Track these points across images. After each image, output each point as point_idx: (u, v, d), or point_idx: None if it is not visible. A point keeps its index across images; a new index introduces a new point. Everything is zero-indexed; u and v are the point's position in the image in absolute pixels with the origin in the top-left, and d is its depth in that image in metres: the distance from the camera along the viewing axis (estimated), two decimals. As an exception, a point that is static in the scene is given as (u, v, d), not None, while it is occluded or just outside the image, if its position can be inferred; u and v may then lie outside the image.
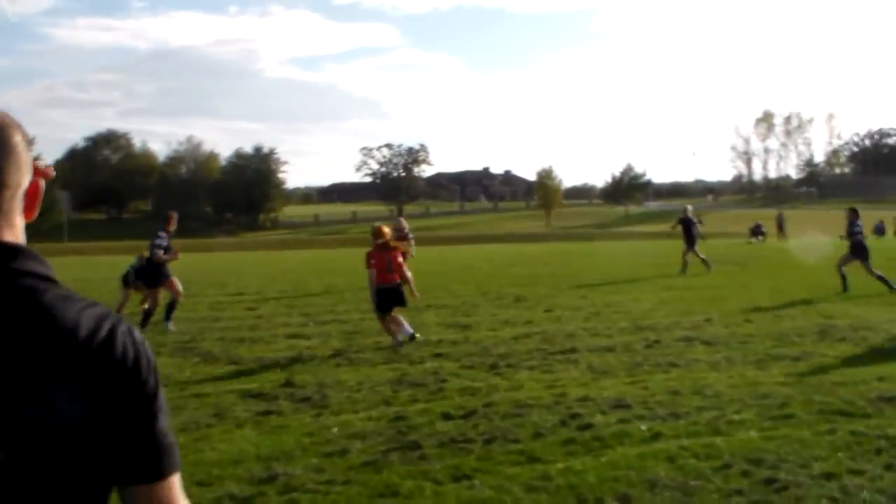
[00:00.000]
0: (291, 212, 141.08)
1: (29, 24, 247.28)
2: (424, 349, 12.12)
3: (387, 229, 13.41)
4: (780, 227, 60.24)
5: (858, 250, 18.57)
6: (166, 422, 1.69)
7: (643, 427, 7.42)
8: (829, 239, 29.06)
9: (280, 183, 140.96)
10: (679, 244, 26.62)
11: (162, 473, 1.65)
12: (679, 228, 26.40)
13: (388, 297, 12.75)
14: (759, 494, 5.60)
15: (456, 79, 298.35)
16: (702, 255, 25.31)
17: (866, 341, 11.76)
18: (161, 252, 15.37)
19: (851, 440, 6.80)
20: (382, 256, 12.71)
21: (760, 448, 6.67)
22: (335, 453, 6.90)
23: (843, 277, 18.33)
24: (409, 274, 13.48)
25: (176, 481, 1.68)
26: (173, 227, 15.77)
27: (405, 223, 23.81)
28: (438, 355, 11.62)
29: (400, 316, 12.93)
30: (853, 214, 19.14)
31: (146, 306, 15.74)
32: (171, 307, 15.47)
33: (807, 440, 6.86)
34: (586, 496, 5.65)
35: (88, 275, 31.41)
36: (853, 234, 18.83)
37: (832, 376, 9.39)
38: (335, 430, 7.67)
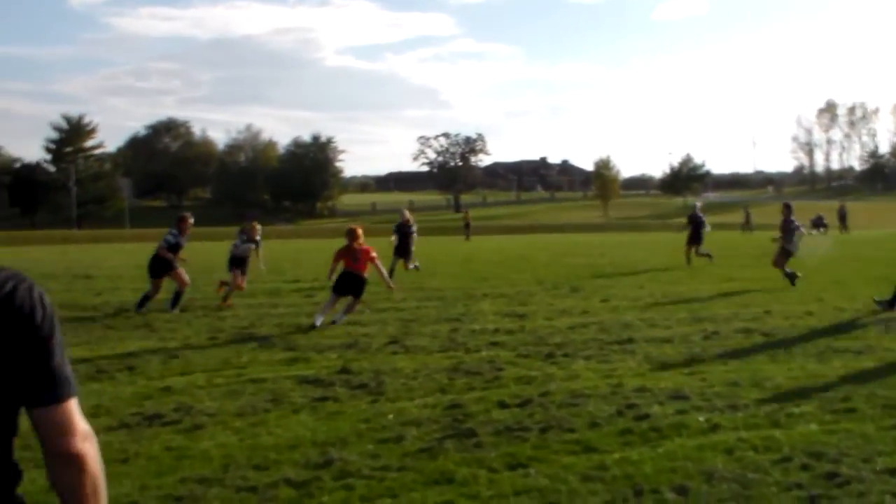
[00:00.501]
0: (349, 200, 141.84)
1: (92, 13, 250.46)
2: (480, 338, 12.11)
3: (360, 231, 14.62)
4: (843, 219, 59.45)
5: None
6: (62, 358, 2.12)
7: (701, 418, 7.33)
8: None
9: (337, 171, 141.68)
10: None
11: (58, 398, 2.09)
12: (689, 226, 26.36)
13: (346, 281, 14.22)
14: (819, 489, 5.50)
15: (513, 68, 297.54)
16: (704, 252, 25.62)
17: (931, 335, 11.53)
18: (166, 246, 16.09)
19: (915, 435, 6.67)
20: (351, 252, 14.30)
21: (821, 441, 6.56)
22: (390, 440, 6.92)
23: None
24: (382, 269, 15.12)
25: (72, 406, 2.10)
26: (188, 228, 16.48)
27: (408, 215, 23.60)
28: (494, 344, 11.60)
29: (339, 306, 14.22)
30: (788, 210, 19.36)
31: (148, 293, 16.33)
32: (177, 296, 16.09)
33: (869, 435, 6.72)
34: (643, 487, 5.59)
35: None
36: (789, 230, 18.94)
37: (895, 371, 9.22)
38: (391, 416, 7.69)
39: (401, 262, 22.40)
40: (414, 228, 22.98)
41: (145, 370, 10.13)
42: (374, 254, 14.38)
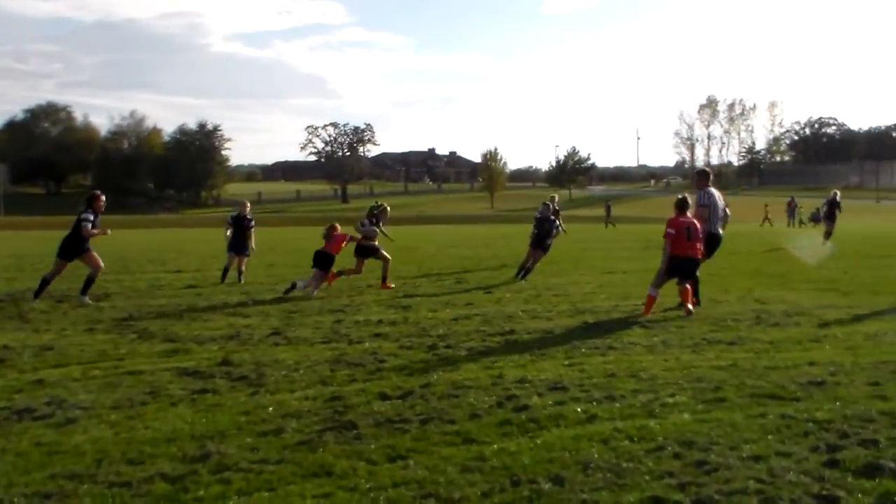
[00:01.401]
0: (234, 189, 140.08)
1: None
2: (364, 329, 12.11)
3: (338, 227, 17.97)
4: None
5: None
6: None
7: (579, 409, 7.47)
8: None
9: (223, 160, 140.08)
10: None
11: None
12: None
13: (319, 258, 17.09)
14: (689, 476, 5.67)
15: (402, 58, 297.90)
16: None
17: (799, 326, 11.95)
18: (90, 226, 15.34)
19: (781, 423, 6.91)
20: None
21: (693, 430, 6.75)
22: (270, 432, 6.87)
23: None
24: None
25: None
26: (102, 205, 15.79)
27: (248, 207, 20.38)
28: (378, 335, 11.61)
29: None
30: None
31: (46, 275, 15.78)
32: (89, 281, 15.50)
33: (738, 423, 6.95)
34: (520, 477, 5.68)
35: (23, 250, 30.95)
36: None
37: (764, 361, 9.54)
38: (271, 409, 7.63)
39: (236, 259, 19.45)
40: (252, 223, 19.95)
41: (16, 363, 9.83)
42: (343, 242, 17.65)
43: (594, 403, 7.69)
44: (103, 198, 15.94)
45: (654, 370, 9.08)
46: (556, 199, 22.42)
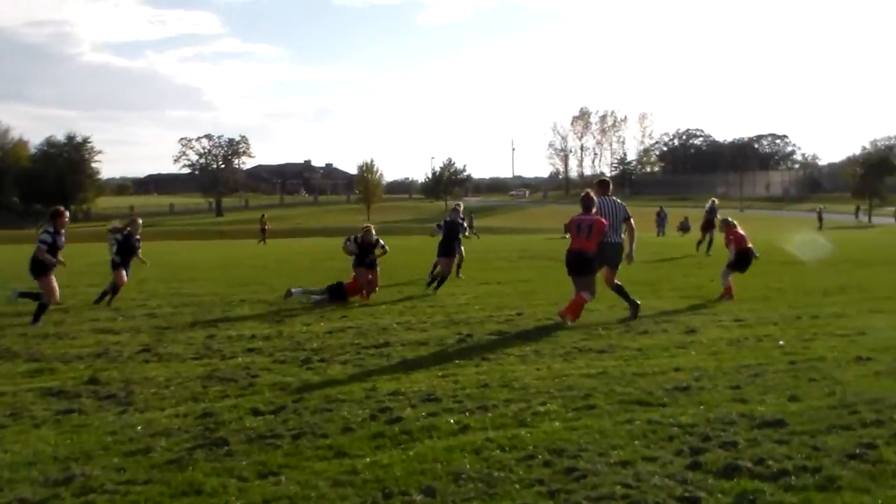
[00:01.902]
0: (105, 203, 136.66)
1: None
2: (237, 344, 11.95)
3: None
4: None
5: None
6: None
7: (451, 420, 7.52)
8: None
9: (94, 173, 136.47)
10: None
11: None
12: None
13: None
14: (559, 483, 5.76)
15: (278, 70, 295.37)
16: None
17: (666, 333, 12.27)
18: (45, 251, 15.01)
19: (647, 429, 7.09)
20: None
21: (563, 438, 6.86)
22: (138, 452, 6.72)
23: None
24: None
25: None
26: (64, 224, 15.49)
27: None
28: (251, 350, 11.47)
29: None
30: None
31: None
32: (40, 309, 14.98)
33: (606, 430, 7.10)
34: (392, 490, 5.68)
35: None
36: None
37: (633, 368, 9.76)
38: (139, 428, 7.47)
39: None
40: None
41: None
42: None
43: (467, 414, 7.74)
44: (67, 215, 15.70)
45: (526, 379, 9.20)
46: (462, 207, 22.00)
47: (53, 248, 15.11)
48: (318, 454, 6.61)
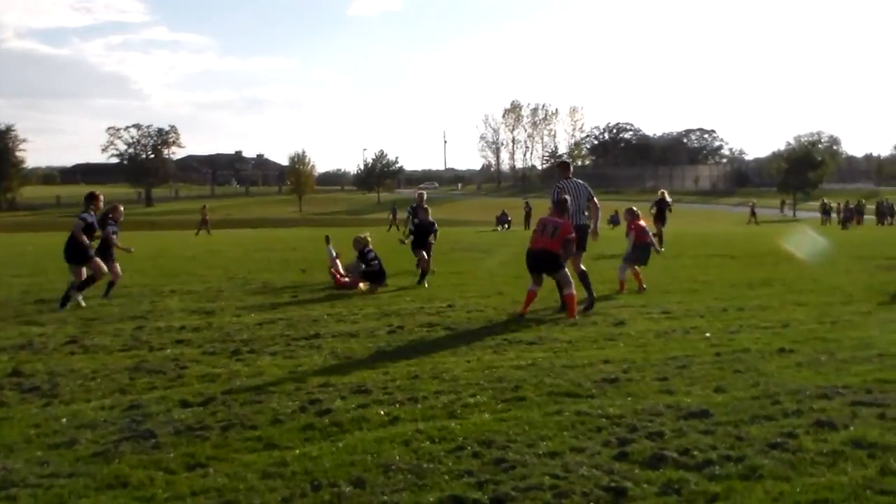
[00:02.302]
0: (31, 193, 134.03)
1: None
2: (166, 336, 11.82)
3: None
4: (528, 216, 62.77)
5: None
6: None
7: (382, 412, 7.52)
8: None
9: (19, 162, 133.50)
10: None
11: None
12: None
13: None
14: (487, 474, 5.79)
15: (207, 59, 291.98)
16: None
17: (595, 326, 12.39)
18: (82, 225, 15.42)
19: (576, 420, 7.16)
20: None
21: (492, 430, 6.90)
22: (62, 445, 6.61)
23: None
24: None
25: None
26: (99, 208, 15.82)
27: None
28: (180, 342, 11.35)
29: None
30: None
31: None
32: (90, 280, 15.48)
33: (536, 421, 7.16)
34: (321, 481, 5.67)
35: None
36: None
37: (563, 359, 9.85)
38: (64, 420, 7.35)
39: None
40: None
41: None
42: None
43: (397, 405, 7.76)
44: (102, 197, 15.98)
45: (456, 371, 9.24)
46: (424, 196, 21.62)
47: (89, 230, 15.45)
48: (247, 446, 6.57)
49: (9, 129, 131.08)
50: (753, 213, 75.00)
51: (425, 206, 20.50)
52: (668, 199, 31.16)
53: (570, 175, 14.82)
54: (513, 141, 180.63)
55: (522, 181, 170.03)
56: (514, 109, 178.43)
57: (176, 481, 5.75)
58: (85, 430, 7.06)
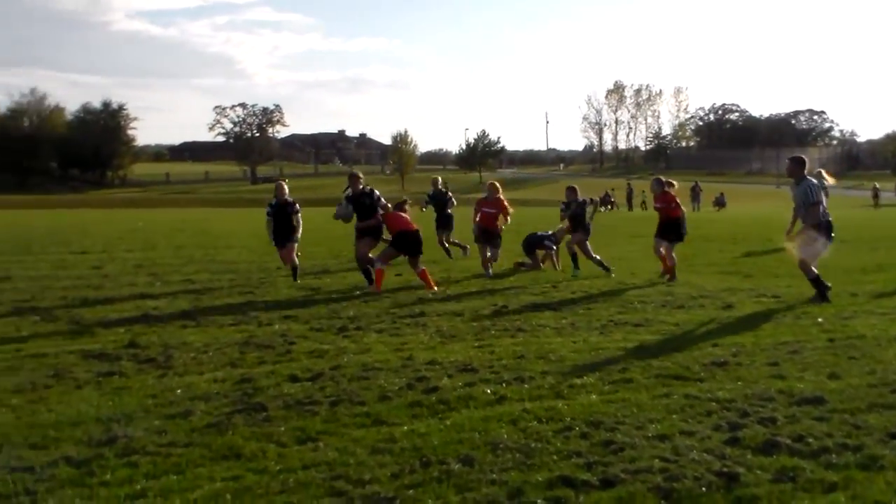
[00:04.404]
0: (141, 170, 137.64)
1: None
2: (273, 311, 12.02)
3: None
4: (629, 197, 62.04)
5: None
6: None
7: (488, 390, 7.53)
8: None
9: (129, 140, 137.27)
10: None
11: None
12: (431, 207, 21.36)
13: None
14: (596, 455, 5.75)
15: (311, 39, 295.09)
16: (454, 241, 20.93)
17: (703, 309, 12.19)
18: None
19: (685, 403, 7.06)
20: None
21: (600, 411, 6.85)
22: (178, 415, 6.79)
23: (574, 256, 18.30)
24: None
25: None
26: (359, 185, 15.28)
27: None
28: (287, 317, 11.54)
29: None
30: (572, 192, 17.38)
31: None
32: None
33: (643, 403, 7.08)
34: (430, 458, 5.70)
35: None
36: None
37: (670, 342, 9.73)
38: (179, 391, 7.55)
39: None
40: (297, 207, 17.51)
41: (-86, 346, 9.55)
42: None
43: (503, 385, 7.76)
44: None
45: (562, 352, 9.19)
46: (440, 180, 21.93)
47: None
48: (356, 421, 6.64)
49: (121, 108, 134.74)
50: (876, 196, 72.12)
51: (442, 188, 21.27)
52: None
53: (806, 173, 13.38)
54: (615, 121, 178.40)
55: (625, 162, 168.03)
56: (617, 90, 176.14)
57: (287, 454, 5.85)
58: (199, 401, 7.23)
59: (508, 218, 17.20)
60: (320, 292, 14.01)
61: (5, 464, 5.58)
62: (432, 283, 14.51)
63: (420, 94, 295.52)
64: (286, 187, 16.26)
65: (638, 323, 11.04)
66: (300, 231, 16.04)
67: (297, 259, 16.00)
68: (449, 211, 20.83)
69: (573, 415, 6.75)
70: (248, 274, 16.63)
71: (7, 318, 11.48)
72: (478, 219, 17.10)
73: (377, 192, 15.25)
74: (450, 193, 21.40)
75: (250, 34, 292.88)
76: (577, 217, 16.67)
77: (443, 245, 20.47)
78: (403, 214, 14.94)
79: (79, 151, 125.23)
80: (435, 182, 21.71)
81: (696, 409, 6.88)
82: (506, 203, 17.18)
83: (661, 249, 15.94)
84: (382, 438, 6.18)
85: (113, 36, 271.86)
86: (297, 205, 16.13)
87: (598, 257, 16.50)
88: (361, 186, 15.18)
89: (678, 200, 16.08)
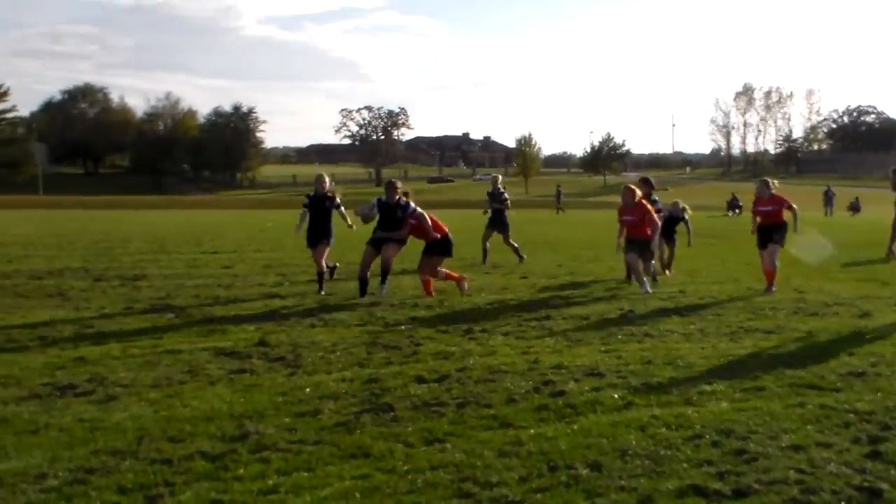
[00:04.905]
0: (269, 171, 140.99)
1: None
2: (399, 312, 12.13)
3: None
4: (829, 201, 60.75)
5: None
6: None
7: (616, 395, 7.44)
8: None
9: (258, 142, 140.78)
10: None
11: None
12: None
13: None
14: (728, 465, 5.62)
15: (435, 42, 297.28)
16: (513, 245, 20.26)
17: (838, 316, 11.83)
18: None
19: (820, 413, 6.85)
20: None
21: (731, 419, 6.70)
22: (307, 413, 6.90)
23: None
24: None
25: None
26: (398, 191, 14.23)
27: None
28: (414, 318, 11.63)
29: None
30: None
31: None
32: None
33: (777, 412, 6.89)
34: (557, 462, 5.66)
35: (62, 229, 31.30)
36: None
37: (803, 350, 9.46)
38: (308, 390, 7.66)
39: None
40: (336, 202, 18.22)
41: (58, 340, 9.96)
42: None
43: (631, 390, 7.66)
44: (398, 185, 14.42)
45: (691, 358, 9.04)
46: (500, 178, 21.53)
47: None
48: (483, 424, 6.64)
49: (250, 111, 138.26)
50: None
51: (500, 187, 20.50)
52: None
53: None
54: (744, 124, 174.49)
55: (754, 165, 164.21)
56: (745, 92, 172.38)
57: (415, 454, 5.88)
58: (328, 400, 7.33)
59: (651, 230, 14.57)
60: (446, 294, 14.06)
61: (145, 455, 5.76)
62: (432, 291, 14.05)
63: (545, 96, 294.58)
64: (328, 179, 15.22)
65: (769, 330, 10.77)
66: (344, 226, 15.20)
67: (325, 265, 14.72)
68: (503, 210, 20.20)
69: (703, 422, 6.61)
70: (373, 275, 16.80)
71: (144, 315, 11.86)
72: (623, 233, 14.77)
73: (413, 205, 14.01)
74: (506, 195, 20.64)
75: (375, 38, 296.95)
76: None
77: (509, 245, 20.17)
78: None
79: (210, 153, 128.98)
80: (494, 180, 21.20)
81: (833, 421, 6.66)
82: (650, 207, 14.75)
83: (770, 258, 14.58)
84: (509, 441, 6.16)
85: (243, 41, 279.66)
86: (339, 199, 14.94)
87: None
88: (398, 198, 14.04)
89: (790, 202, 14.89)
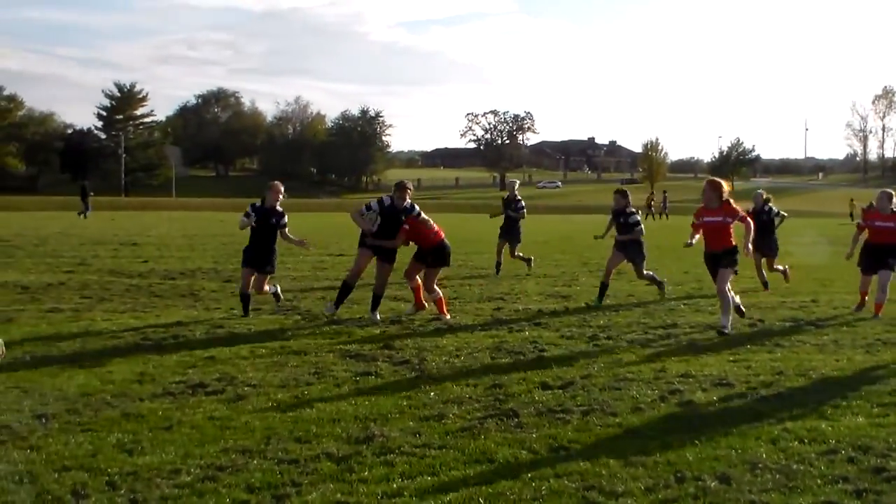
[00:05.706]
0: (394, 175, 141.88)
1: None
2: (524, 318, 12.08)
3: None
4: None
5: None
6: None
7: (745, 407, 7.27)
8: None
9: (384, 146, 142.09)
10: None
11: None
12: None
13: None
14: (866, 482, 5.40)
15: (562, 46, 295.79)
16: (519, 256, 19.05)
17: (983, 330, 11.32)
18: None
19: (966, 432, 6.54)
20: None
21: (869, 435, 6.46)
22: (432, 418, 6.91)
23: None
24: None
25: None
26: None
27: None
28: (538, 324, 11.57)
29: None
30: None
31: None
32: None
33: (919, 429, 6.62)
34: (685, 474, 5.53)
35: (195, 230, 32.20)
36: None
37: (947, 365, 9.07)
38: (433, 394, 7.68)
39: None
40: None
41: (190, 339, 10.23)
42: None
43: (761, 401, 7.46)
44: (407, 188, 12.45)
45: (824, 370, 8.76)
46: (517, 183, 20.02)
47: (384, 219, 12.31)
48: (608, 432, 6.55)
49: (377, 115, 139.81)
50: None
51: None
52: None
53: None
54: (882, 129, 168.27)
55: (892, 171, 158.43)
56: (885, 95, 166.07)
57: (540, 461, 5.83)
58: (452, 404, 7.34)
59: (751, 236, 11.41)
60: (570, 300, 13.95)
61: (273, 455, 5.85)
62: (423, 303, 12.71)
63: (672, 100, 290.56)
64: (282, 189, 12.70)
65: (909, 343, 10.36)
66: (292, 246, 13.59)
67: (269, 289, 12.66)
68: (517, 220, 18.83)
69: (838, 437, 6.39)
70: (498, 280, 16.82)
71: (273, 316, 12.09)
72: (693, 240, 11.81)
73: (417, 209, 12.35)
74: (522, 203, 19.09)
75: (500, 41, 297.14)
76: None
77: (515, 258, 18.86)
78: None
79: (336, 157, 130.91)
80: (511, 186, 19.97)
81: (979, 439, 6.35)
82: (739, 209, 11.59)
83: (882, 286, 12.67)
84: (635, 451, 6.05)
85: (371, 46, 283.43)
86: (286, 217, 12.49)
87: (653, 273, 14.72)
88: (406, 202, 12.28)
89: None
